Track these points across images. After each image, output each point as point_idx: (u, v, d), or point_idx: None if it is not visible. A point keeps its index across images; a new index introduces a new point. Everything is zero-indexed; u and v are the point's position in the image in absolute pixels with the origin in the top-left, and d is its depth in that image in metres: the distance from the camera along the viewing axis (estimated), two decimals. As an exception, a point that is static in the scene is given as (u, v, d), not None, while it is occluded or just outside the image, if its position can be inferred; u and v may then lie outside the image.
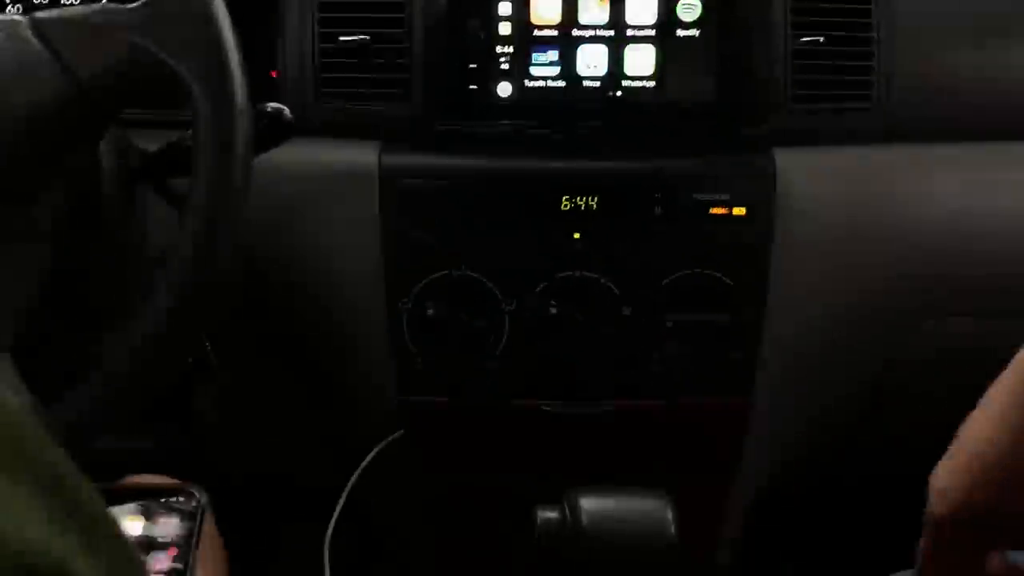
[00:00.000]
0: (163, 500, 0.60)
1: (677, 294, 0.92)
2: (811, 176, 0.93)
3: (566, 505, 0.74)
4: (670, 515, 0.71)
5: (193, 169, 0.66)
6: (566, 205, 0.91)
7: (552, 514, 0.75)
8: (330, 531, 0.93)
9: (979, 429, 0.58)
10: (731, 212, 0.91)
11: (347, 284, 0.94)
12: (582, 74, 0.91)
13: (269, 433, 1.09)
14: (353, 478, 0.94)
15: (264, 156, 0.73)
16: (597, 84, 0.92)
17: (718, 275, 0.91)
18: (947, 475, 0.59)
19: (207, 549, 0.85)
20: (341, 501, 0.94)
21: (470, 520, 1.03)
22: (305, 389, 1.04)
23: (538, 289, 0.92)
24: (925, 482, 0.62)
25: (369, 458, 0.95)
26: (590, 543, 0.71)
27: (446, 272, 0.92)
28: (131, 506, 0.60)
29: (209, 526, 0.88)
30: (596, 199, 0.91)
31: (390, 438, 0.96)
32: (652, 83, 0.92)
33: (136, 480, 0.64)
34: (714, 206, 0.91)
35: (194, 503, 0.60)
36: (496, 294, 0.92)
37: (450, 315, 0.92)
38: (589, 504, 0.73)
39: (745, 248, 0.91)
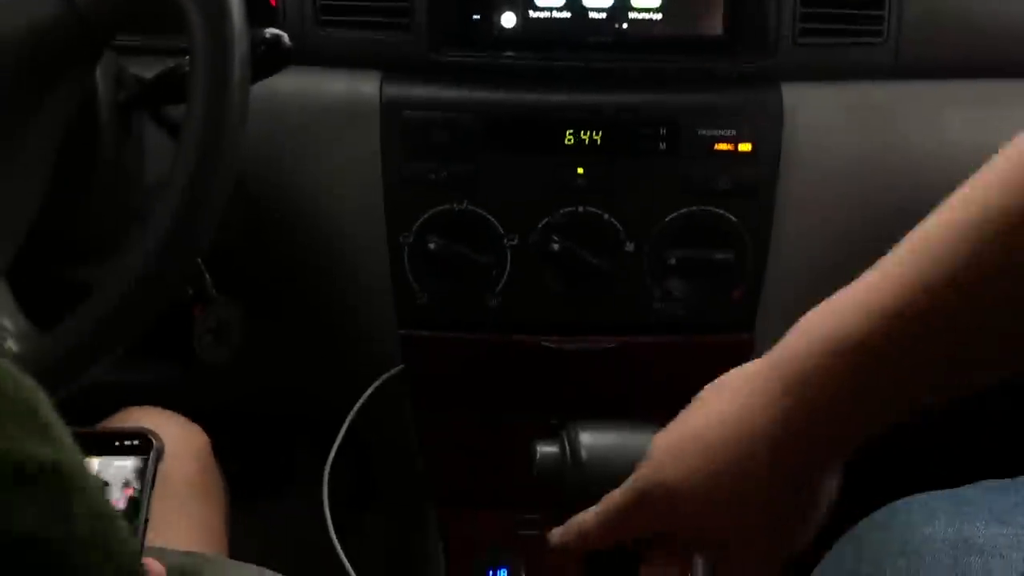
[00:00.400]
0: (117, 443, 0.60)
1: (680, 230, 0.91)
2: (819, 112, 0.92)
3: (565, 439, 0.74)
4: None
5: (189, 96, 0.65)
6: (570, 139, 0.90)
7: (551, 448, 0.75)
8: (328, 464, 0.93)
9: None
10: (737, 148, 0.90)
11: (347, 217, 0.93)
12: (588, 5, 0.90)
13: (269, 367, 1.09)
14: (353, 412, 0.94)
15: (261, 84, 0.72)
16: (603, 16, 0.90)
17: (722, 212, 0.90)
18: None
19: (207, 485, 0.86)
20: (341, 433, 0.94)
21: (469, 455, 1.03)
22: (305, 323, 1.04)
23: (540, 224, 0.91)
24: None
25: (369, 392, 0.95)
26: (589, 477, 0.71)
27: (448, 206, 0.91)
28: (84, 447, 0.60)
29: (208, 462, 0.89)
30: (600, 134, 0.90)
31: (390, 373, 0.96)
32: (659, 15, 0.90)
33: (102, 426, 0.64)
34: (719, 142, 0.90)
35: (150, 446, 0.60)
36: (498, 229, 0.91)
37: (452, 250, 0.91)
38: (588, 438, 0.72)
39: (750, 185, 0.90)
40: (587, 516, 0.65)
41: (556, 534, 0.67)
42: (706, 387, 0.59)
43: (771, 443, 0.54)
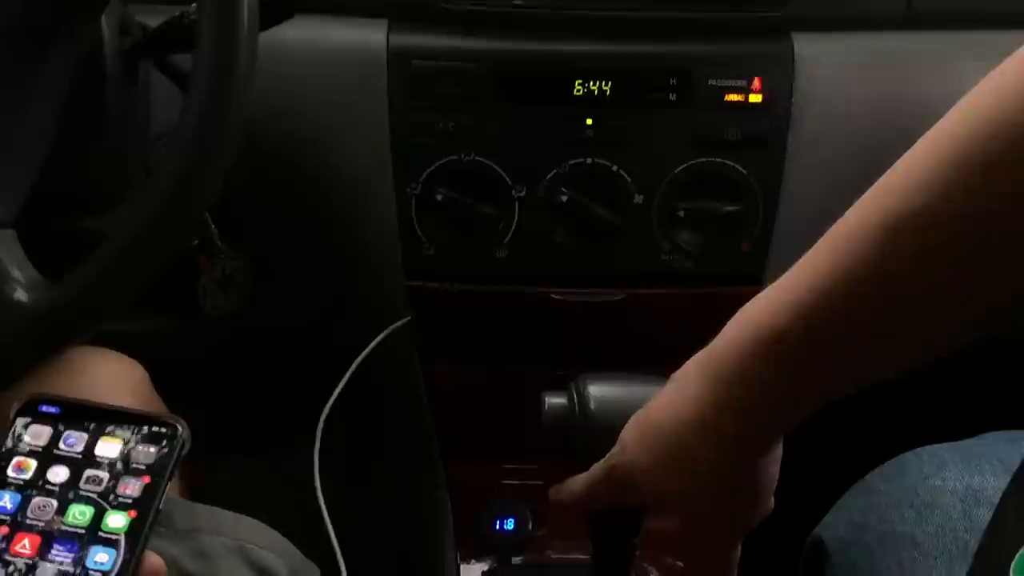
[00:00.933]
0: (145, 428, 0.60)
1: (690, 182, 0.90)
2: (831, 62, 0.91)
3: (573, 391, 0.74)
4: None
5: (196, 45, 0.65)
6: (579, 90, 0.90)
7: (559, 400, 0.75)
8: (324, 414, 0.93)
9: None
10: (747, 99, 0.89)
11: (354, 167, 0.93)
12: (597, -47, 0.89)
13: (275, 318, 1.09)
14: (356, 362, 0.94)
15: (269, 33, 0.71)
16: (613, -36, 0.89)
17: (732, 163, 0.90)
18: None
19: None
20: (341, 384, 0.94)
21: (476, 406, 1.03)
22: (312, 275, 1.03)
23: (549, 176, 0.91)
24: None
25: (374, 343, 0.95)
26: (597, 428, 0.71)
27: (455, 157, 0.90)
28: (111, 427, 0.59)
29: (147, 396, 0.88)
30: (609, 84, 0.89)
31: (397, 324, 0.96)
32: (669, -36, 0.89)
33: (123, 405, 0.64)
34: (730, 92, 0.89)
35: (175, 436, 0.60)
36: (506, 180, 0.91)
37: (459, 201, 0.91)
38: (597, 390, 0.72)
39: (761, 136, 0.90)
40: (576, 481, 0.69)
41: (553, 491, 0.73)
42: (674, 374, 0.62)
43: (703, 431, 0.57)
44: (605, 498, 0.67)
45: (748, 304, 0.55)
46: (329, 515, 0.88)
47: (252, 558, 0.75)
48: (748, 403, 0.54)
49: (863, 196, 0.50)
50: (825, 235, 0.51)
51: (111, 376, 0.85)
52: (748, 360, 0.53)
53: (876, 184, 0.50)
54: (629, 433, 0.64)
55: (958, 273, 0.46)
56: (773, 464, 0.59)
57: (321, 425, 0.92)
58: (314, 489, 0.90)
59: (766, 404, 0.54)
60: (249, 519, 0.78)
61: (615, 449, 0.64)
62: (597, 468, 0.67)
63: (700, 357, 0.58)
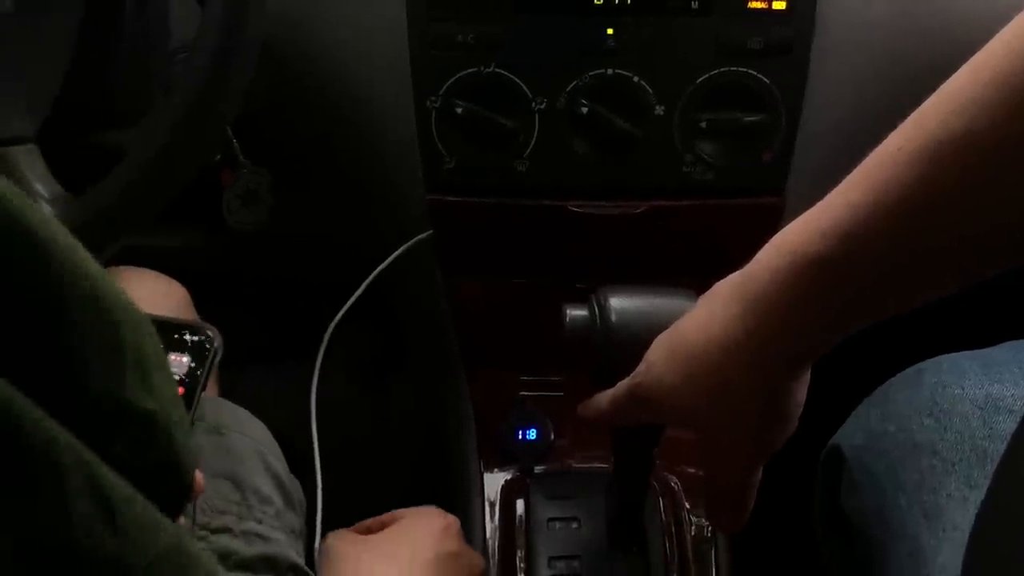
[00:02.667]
0: (177, 335, 0.60)
1: (712, 92, 0.89)
2: (856, -32, 0.89)
3: (594, 303, 0.74)
4: (699, 313, 0.72)
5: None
6: (599, -1, 0.88)
7: (580, 312, 0.75)
8: (335, 320, 0.94)
9: None
10: (771, 6, 0.88)
11: (374, 81, 0.92)
12: None
13: (297, 232, 1.10)
14: (374, 273, 0.94)
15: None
16: None
17: (754, 72, 0.89)
18: None
19: None
20: (357, 293, 0.94)
21: (498, 319, 1.04)
22: (333, 189, 1.04)
23: (569, 87, 0.90)
24: None
25: (394, 257, 0.95)
26: (618, 340, 0.72)
27: (475, 69, 0.90)
28: None
29: (189, 315, 0.89)
30: (630, -8, 0.88)
31: (418, 237, 0.96)
32: None
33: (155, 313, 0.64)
34: (753, 0, 0.88)
35: (208, 344, 0.60)
36: (526, 92, 0.90)
37: (479, 114, 0.90)
38: (617, 302, 0.73)
39: (784, 44, 0.88)
40: (603, 398, 0.70)
41: (580, 407, 0.74)
42: (703, 296, 0.62)
43: (734, 353, 0.57)
44: (630, 415, 0.68)
45: (785, 228, 0.54)
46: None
47: (269, 464, 0.77)
48: (780, 327, 0.54)
49: (903, 122, 0.50)
50: (864, 161, 0.51)
51: (154, 295, 0.86)
52: (783, 284, 0.53)
53: (917, 110, 0.49)
54: (655, 352, 0.64)
55: (997, 196, 0.46)
56: (800, 389, 0.60)
57: (328, 334, 0.93)
58: (321, 397, 0.91)
59: (798, 329, 0.54)
60: (264, 427, 0.79)
61: (640, 367, 0.65)
62: (622, 386, 0.67)
63: (734, 279, 0.58)
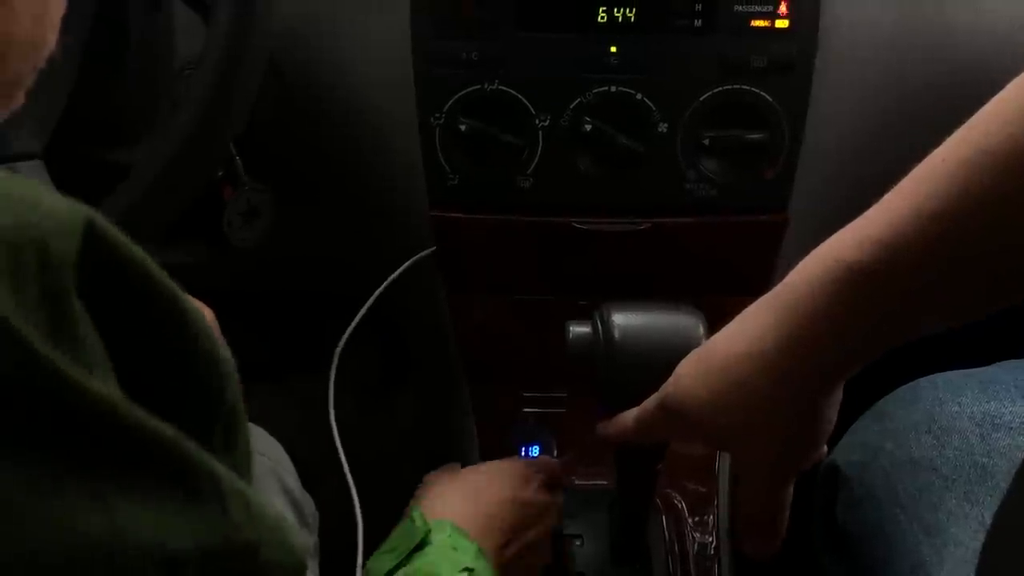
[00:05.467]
0: None
1: (715, 110, 0.90)
2: (858, -14, 0.90)
3: (598, 320, 0.74)
4: (701, 329, 0.72)
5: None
6: (603, 17, 0.89)
7: (584, 329, 0.76)
8: (342, 342, 0.94)
9: None
10: (774, 24, 0.88)
11: (378, 97, 0.93)
12: None
13: (300, 249, 1.10)
14: (378, 291, 0.95)
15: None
16: None
17: (757, 90, 0.89)
18: None
19: None
20: (363, 310, 0.94)
21: (501, 336, 1.04)
22: (337, 205, 1.04)
23: (573, 105, 0.90)
24: None
25: (398, 273, 0.95)
26: (622, 357, 0.72)
27: (479, 86, 0.90)
28: None
29: (217, 335, 0.89)
30: (633, 10, 0.88)
31: (421, 254, 0.96)
32: None
33: None
34: (756, 18, 0.88)
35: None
36: (530, 109, 0.90)
37: (483, 131, 0.90)
38: (620, 318, 0.73)
39: (787, 62, 0.89)
40: (627, 417, 0.69)
41: (601, 427, 0.73)
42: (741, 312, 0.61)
43: (767, 367, 0.56)
44: (656, 432, 0.67)
45: (828, 240, 0.54)
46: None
47: (284, 482, 0.77)
48: (815, 340, 0.54)
49: (949, 137, 0.50)
50: (909, 173, 0.51)
51: None
52: (822, 294, 0.52)
53: (965, 124, 0.49)
54: (685, 366, 0.63)
55: None
56: (830, 410, 0.59)
57: (339, 351, 0.93)
58: (335, 415, 0.91)
59: (833, 342, 0.53)
60: (278, 445, 0.79)
61: (669, 381, 0.64)
62: (649, 402, 0.66)
63: (770, 293, 0.57)
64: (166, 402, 0.28)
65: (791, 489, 0.63)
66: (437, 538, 0.77)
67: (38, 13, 0.30)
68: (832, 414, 0.59)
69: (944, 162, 0.49)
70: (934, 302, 0.51)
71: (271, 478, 0.75)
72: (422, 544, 0.77)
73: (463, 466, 0.96)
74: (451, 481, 0.88)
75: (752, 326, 0.57)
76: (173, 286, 0.29)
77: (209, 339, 0.30)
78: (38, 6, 0.30)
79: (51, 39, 0.32)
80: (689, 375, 0.62)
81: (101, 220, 0.27)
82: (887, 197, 0.51)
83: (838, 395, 0.59)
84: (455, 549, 0.77)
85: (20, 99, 0.34)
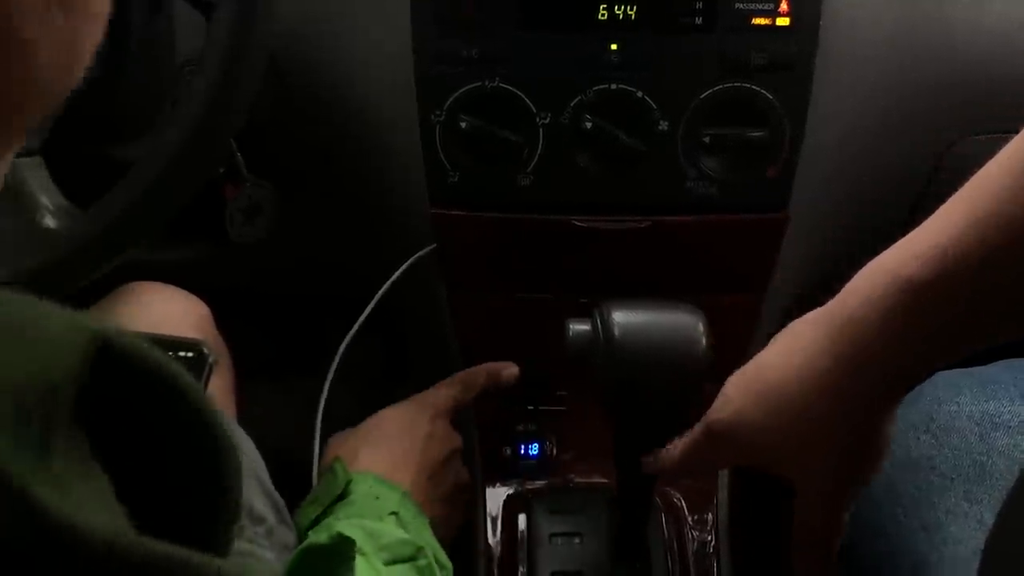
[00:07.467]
0: (172, 353, 0.60)
1: (715, 108, 0.90)
2: (859, -16, 0.90)
3: (597, 318, 0.74)
4: (702, 328, 0.72)
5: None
6: (603, 14, 0.89)
7: (583, 327, 0.76)
8: (347, 340, 0.94)
9: None
10: (775, 22, 0.88)
11: (378, 95, 0.93)
12: None
13: (301, 246, 1.10)
14: (381, 290, 0.95)
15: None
16: None
17: (758, 88, 0.89)
18: None
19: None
20: (367, 311, 0.95)
21: (501, 335, 1.04)
22: (337, 203, 1.04)
23: (573, 102, 0.90)
24: None
25: (399, 272, 0.95)
26: (621, 355, 0.72)
27: (480, 84, 0.90)
28: None
29: (210, 333, 0.89)
30: (634, 8, 0.88)
31: (422, 252, 0.96)
32: None
33: (150, 331, 0.64)
34: (757, 16, 0.88)
35: (203, 361, 0.60)
36: (530, 107, 0.90)
37: (484, 128, 0.90)
38: (620, 316, 0.73)
39: (788, 60, 0.88)
40: (674, 447, 0.69)
41: (647, 463, 0.72)
42: (782, 331, 0.60)
43: (823, 387, 0.55)
44: (707, 460, 0.66)
45: (881, 254, 0.53)
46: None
47: (263, 482, 0.77)
48: (872, 357, 0.53)
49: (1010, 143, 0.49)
50: (968, 182, 0.50)
51: (175, 312, 0.86)
52: (875, 308, 0.52)
53: (1019, 134, 0.49)
54: (732, 387, 0.62)
55: None
56: (889, 424, 0.58)
57: (340, 352, 0.93)
58: (336, 412, 0.91)
59: (890, 358, 0.53)
60: (250, 440, 0.79)
61: (716, 404, 0.63)
62: (695, 430, 0.65)
63: (821, 309, 0.56)
64: (181, 503, 0.28)
65: (848, 512, 0.61)
66: (359, 488, 0.80)
67: (66, 63, 0.29)
68: (891, 431, 0.58)
69: (1000, 166, 0.48)
70: (994, 312, 0.50)
71: (253, 480, 0.75)
72: (344, 494, 0.80)
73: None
74: (357, 435, 0.90)
75: (805, 345, 0.56)
76: (196, 387, 0.28)
77: (227, 437, 0.29)
78: (66, 56, 0.29)
79: (77, 81, 0.31)
80: (738, 397, 0.61)
81: (111, 334, 0.26)
82: (940, 212, 0.51)
83: (895, 411, 0.57)
84: (377, 498, 0.80)
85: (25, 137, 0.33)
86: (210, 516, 0.29)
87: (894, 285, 0.51)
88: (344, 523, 0.75)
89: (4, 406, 0.23)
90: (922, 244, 0.50)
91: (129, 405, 0.27)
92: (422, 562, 0.74)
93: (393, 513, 0.78)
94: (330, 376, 0.92)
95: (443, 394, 0.95)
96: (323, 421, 0.91)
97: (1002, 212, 0.47)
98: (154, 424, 0.28)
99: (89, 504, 0.25)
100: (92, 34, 0.30)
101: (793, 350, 0.57)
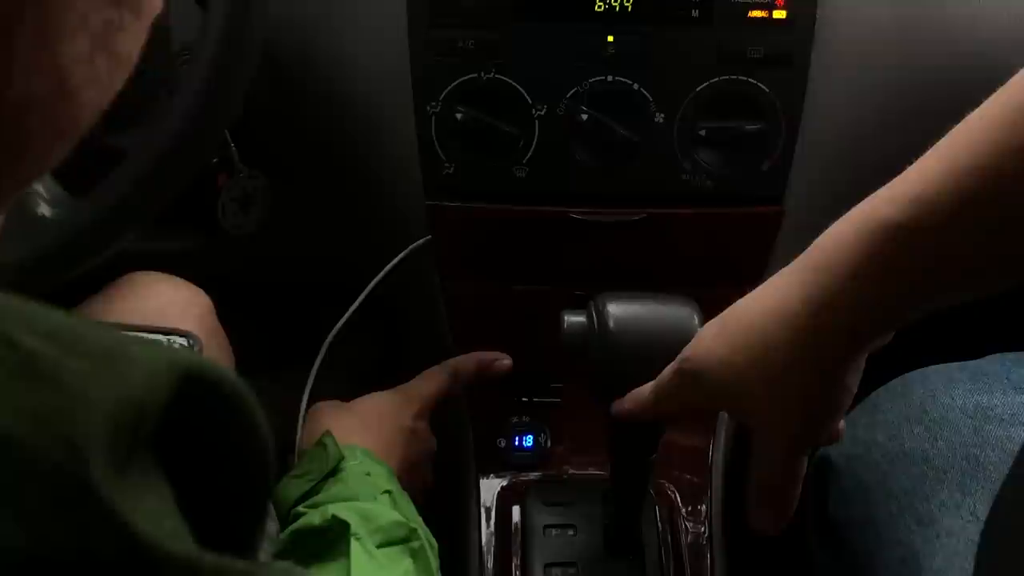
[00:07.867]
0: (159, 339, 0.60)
1: (712, 101, 0.90)
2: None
3: (593, 309, 0.74)
4: (696, 320, 0.72)
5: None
6: (600, 6, 0.89)
7: (578, 318, 0.76)
8: (334, 331, 0.94)
9: None
10: (771, 15, 0.88)
11: (374, 86, 0.93)
12: None
13: (295, 237, 1.10)
14: (374, 281, 0.95)
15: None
16: None
17: (754, 81, 0.89)
18: None
19: (210, 348, 0.87)
20: (358, 301, 0.94)
21: (495, 326, 1.04)
22: (332, 194, 1.04)
23: (569, 94, 0.90)
24: None
25: (394, 263, 0.95)
26: (616, 347, 0.72)
27: (475, 75, 0.90)
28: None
29: (211, 325, 0.89)
30: (631, 0, 0.88)
31: (417, 243, 0.96)
32: None
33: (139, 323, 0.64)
34: (753, 8, 0.88)
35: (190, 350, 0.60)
36: (526, 99, 0.90)
37: (479, 120, 0.90)
38: (616, 308, 0.73)
39: (784, 53, 0.89)
40: (644, 390, 0.68)
41: (616, 404, 0.71)
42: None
43: (791, 326, 0.55)
44: (674, 398, 0.66)
45: (859, 204, 0.53)
46: None
47: None
48: (843, 299, 0.53)
49: (989, 97, 0.50)
50: (947, 134, 0.51)
51: (177, 304, 0.86)
52: (848, 249, 0.52)
53: (999, 89, 0.50)
54: (708, 327, 0.62)
55: None
56: (853, 376, 0.57)
57: (328, 341, 0.93)
58: (317, 404, 0.91)
59: (861, 302, 0.53)
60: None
61: (691, 343, 0.63)
62: (668, 368, 0.65)
63: (799, 257, 0.57)
64: (229, 512, 0.30)
65: (805, 461, 0.61)
66: (350, 464, 0.80)
67: (100, 103, 0.31)
68: (853, 383, 0.58)
69: (982, 118, 0.48)
70: (967, 264, 0.51)
71: None
72: (335, 471, 0.79)
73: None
74: (347, 411, 0.90)
75: (778, 285, 0.57)
76: (258, 407, 0.30)
77: (272, 451, 0.31)
78: (102, 97, 0.31)
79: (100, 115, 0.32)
80: (710, 335, 0.61)
81: (192, 361, 0.28)
82: (923, 158, 0.51)
83: (861, 363, 0.57)
84: (368, 474, 0.79)
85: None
86: (251, 522, 0.31)
87: (866, 227, 0.51)
88: (339, 505, 0.75)
89: (102, 428, 0.24)
90: (897, 189, 0.51)
91: (195, 423, 0.28)
92: (415, 543, 0.74)
93: (386, 491, 0.78)
94: (317, 363, 0.92)
95: (430, 387, 0.94)
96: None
97: (979, 164, 0.48)
98: (217, 442, 0.29)
99: (165, 521, 0.26)
100: (124, 75, 0.32)
101: (769, 292, 0.58)
